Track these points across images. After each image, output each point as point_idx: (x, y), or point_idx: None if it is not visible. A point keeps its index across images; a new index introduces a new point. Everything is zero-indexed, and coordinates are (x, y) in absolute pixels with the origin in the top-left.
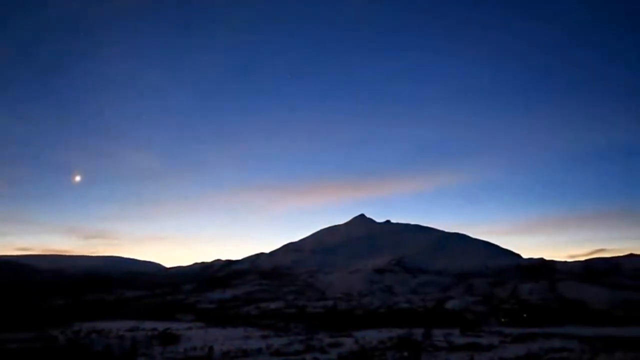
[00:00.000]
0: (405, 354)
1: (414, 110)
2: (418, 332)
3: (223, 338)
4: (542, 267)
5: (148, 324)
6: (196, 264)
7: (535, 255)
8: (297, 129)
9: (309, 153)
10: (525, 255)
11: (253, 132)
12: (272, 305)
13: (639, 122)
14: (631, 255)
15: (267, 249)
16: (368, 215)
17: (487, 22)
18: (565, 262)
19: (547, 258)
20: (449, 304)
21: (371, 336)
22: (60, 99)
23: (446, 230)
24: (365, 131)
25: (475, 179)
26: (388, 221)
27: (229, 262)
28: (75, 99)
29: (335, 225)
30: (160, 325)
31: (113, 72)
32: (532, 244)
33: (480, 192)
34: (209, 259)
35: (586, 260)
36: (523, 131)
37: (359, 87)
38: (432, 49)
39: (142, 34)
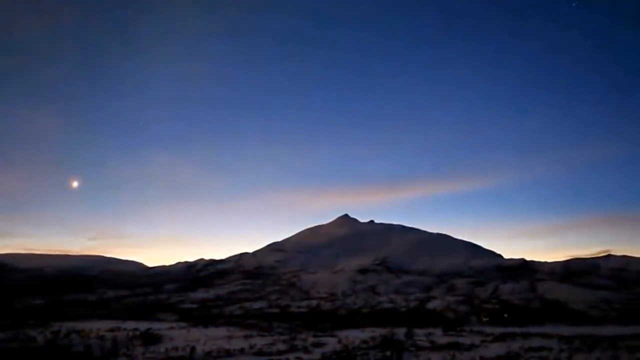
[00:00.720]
0: (388, 353)
1: (414, 114)
2: (400, 332)
3: (205, 338)
4: (522, 268)
5: (129, 324)
6: (179, 263)
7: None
8: (288, 130)
9: (300, 155)
10: (507, 256)
11: (243, 133)
12: (256, 305)
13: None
14: (609, 255)
15: (251, 248)
16: (352, 216)
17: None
18: (545, 262)
19: (527, 259)
20: (431, 304)
21: (354, 336)
22: (57, 98)
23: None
24: (358, 135)
25: (475, 184)
26: (372, 221)
27: (212, 262)
28: (75, 99)
29: (319, 225)
30: (142, 325)
31: (113, 71)
32: (534, 247)
33: (480, 197)
34: (191, 258)
35: (565, 261)
36: (523, 133)
37: (358, 89)
38: (421, 48)
39: (147, 29)
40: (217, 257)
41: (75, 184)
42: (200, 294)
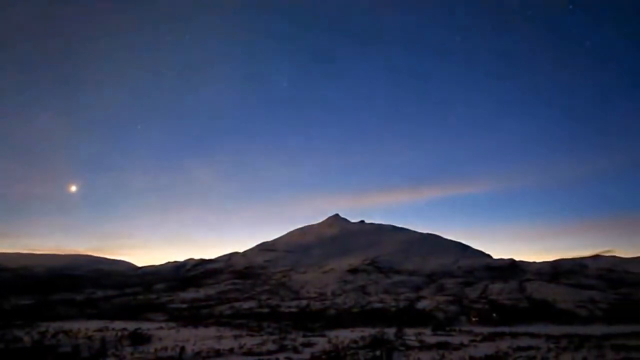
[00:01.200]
0: (378, 353)
1: (412, 114)
2: (390, 332)
3: (195, 338)
4: (511, 268)
5: (118, 324)
6: (169, 263)
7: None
8: (284, 130)
9: (295, 156)
10: (496, 257)
11: (238, 133)
12: (245, 305)
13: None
14: (597, 256)
15: (241, 248)
16: (342, 216)
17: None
18: (534, 262)
19: (516, 259)
20: (421, 304)
21: (344, 336)
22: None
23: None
24: (354, 136)
25: (468, 189)
26: (362, 221)
27: (202, 262)
28: (75, 99)
29: (309, 225)
30: (131, 325)
31: (113, 72)
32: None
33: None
34: (181, 258)
35: (553, 261)
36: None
37: (359, 90)
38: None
39: (147, 28)
40: (207, 257)
41: (73, 187)
42: (190, 294)
